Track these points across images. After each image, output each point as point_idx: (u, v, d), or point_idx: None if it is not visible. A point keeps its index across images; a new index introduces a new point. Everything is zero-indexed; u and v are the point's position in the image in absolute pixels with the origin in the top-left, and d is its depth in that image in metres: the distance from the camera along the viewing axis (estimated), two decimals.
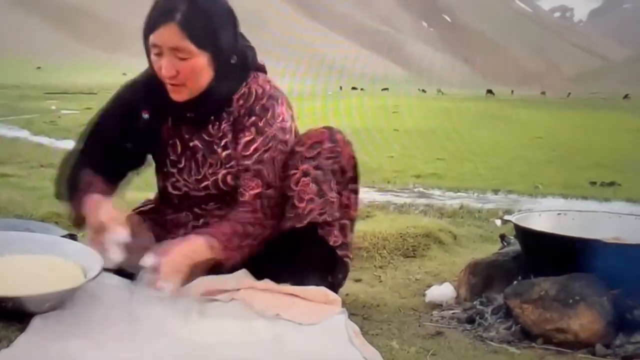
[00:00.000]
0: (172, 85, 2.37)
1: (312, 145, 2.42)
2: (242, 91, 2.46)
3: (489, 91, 65.91)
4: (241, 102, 2.46)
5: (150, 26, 2.32)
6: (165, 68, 2.31)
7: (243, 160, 2.41)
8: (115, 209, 2.31)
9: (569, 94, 78.84)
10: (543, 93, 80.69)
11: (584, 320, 2.28)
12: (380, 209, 5.28)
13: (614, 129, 19.45)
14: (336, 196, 2.44)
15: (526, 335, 2.37)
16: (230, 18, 2.41)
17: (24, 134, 13.85)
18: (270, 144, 2.40)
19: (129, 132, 2.50)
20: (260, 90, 2.46)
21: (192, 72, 2.33)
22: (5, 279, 2.17)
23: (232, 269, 2.40)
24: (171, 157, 2.55)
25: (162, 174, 2.61)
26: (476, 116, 24.03)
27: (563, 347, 2.29)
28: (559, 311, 2.31)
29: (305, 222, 2.38)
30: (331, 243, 2.44)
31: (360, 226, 3.82)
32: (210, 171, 2.49)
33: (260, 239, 2.38)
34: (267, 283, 2.39)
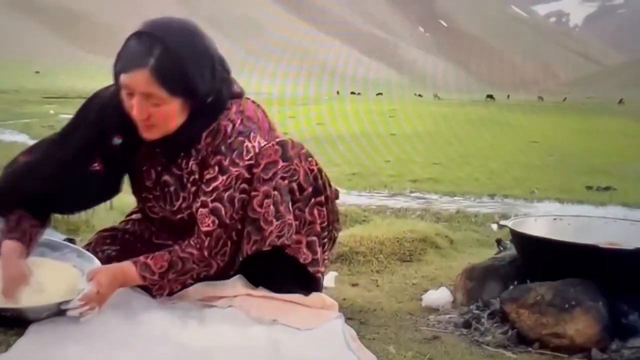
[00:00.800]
0: (144, 125, 2.29)
1: (266, 165, 2.33)
2: (212, 128, 2.37)
3: (489, 96, 65.56)
4: (209, 139, 2.37)
5: (122, 67, 2.23)
6: (137, 111, 2.23)
7: (203, 196, 2.33)
8: (19, 269, 2.23)
9: (565, 98, 78.77)
10: (540, 98, 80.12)
11: (580, 325, 2.29)
12: (377, 213, 5.30)
13: (610, 134, 19.48)
14: (299, 214, 2.40)
15: (522, 339, 2.37)
16: (207, 60, 2.30)
17: (22, 138, 13.86)
18: (231, 184, 2.31)
19: (99, 155, 2.40)
20: (229, 127, 2.36)
21: (164, 117, 2.27)
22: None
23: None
24: (146, 184, 2.50)
25: (139, 196, 2.57)
26: (472, 121, 24.05)
27: (559, 352, 2.30)
28: (555, 316, 2.31)
29: (266, 244, 2.33)
30: (301, 261, 2.41)
31: (357, 231, 3.83)
32: (184, 205, 2.44)
33: (202, 275, 2.35)
34: (263, 290, 2.39)
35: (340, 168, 9.45)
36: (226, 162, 2.33)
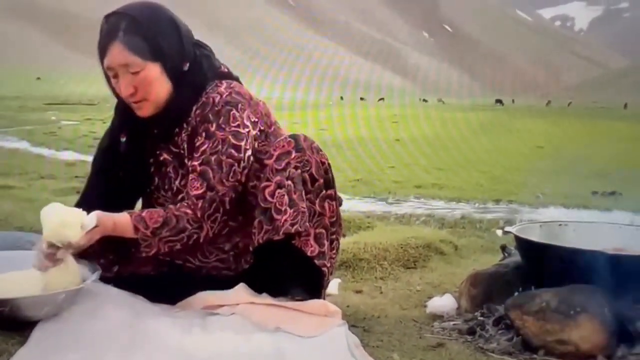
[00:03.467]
0: (135, 103, 2.41)
1: (279, 156, 2.40)
2: (201, 101, 2.47)
3: (498, 101, 65.29)
4: (198, 111, 2.46)
5: (101, 52, 2.39)
6: (123, 87, 2.37)
7: (192, 162, 2.42)
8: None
9: (570, 103, 78.61)
10: (549, 102, 79.38)
11: (585, 332, 2.28)
12: (381, 219, 5.28)
13: (616, 138, 19.43)
14: (309, 205, 2.43)
15: (527, 346, 2.36)
16: (173, 27, 2.44)
17: (24, 145, 13.87)
18: (218, 147, 2.39)
19: (118, 161, 2.54)
20: (217, 98, 2.45)
21: (148, 84, 2.38)
22: (5, 287, 2.17)
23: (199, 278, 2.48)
24: (149, 177, 2.58)
25: (144, 193, 2.63)
26: (477, 126, 24.03)
27: (564, 359, 2.29)
28: (560, 322, 2.30)
29: (280, 233, 2.36)
30: (308, 254, 2.42)
31: (360, 237, 3.83)
32: (182, 183, 2.50)
33: (194, 238, 2.37)
34: (266, 297, 2.39)
35: (344, 174, 9.41)
36: (213, 128, 2.42)
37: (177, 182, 2.52)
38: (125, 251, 2.56)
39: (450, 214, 6.01)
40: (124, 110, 2.52)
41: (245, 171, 2.43)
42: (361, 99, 70.53)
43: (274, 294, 2.41)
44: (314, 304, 2.35)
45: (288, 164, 2.39)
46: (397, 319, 2.74)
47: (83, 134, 16.99)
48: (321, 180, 2.47)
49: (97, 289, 2.32)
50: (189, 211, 2.35)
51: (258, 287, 2.45)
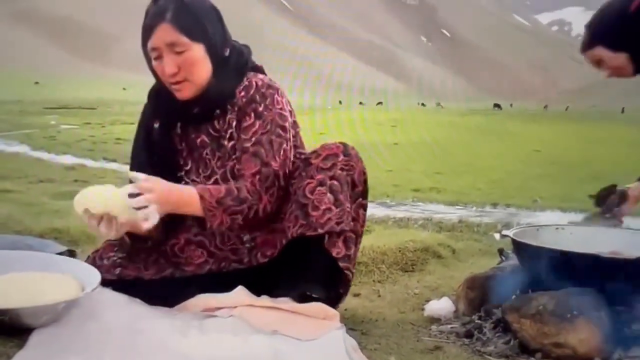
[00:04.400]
0: (176, 83, 2.47)
1: (327, 157, 2.48)
2: (244, 84, 2.56)
3: (497, 105, 65.11)
4: (243, 93, 2.55)
5: (147, 33, 2.46)
6: (167, 65, 2.43)
7: (243, 144, 2.49)
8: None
9: (567, 107, 78.67)
10: (546, 107, 79.47)
11: (582, 335, 2.28)
12: (379, 223, 5.29)
13: (613, 142, 19.45)
14: (350, 207, 2.48)
15: (524, 349, 2.36)
16: (216, 15, 2.54)
17: (23, 149, 13.87)
18: (268, 128, 2.48)
19: (153, 150, 2.60)
20: (260, 82, 2.56)
21: (191, 64, 2.45)
22: (5, 295, 2.17)
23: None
24: (179, 162, 2.62)
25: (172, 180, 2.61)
26: (475, 130, 24.05)
27: None
28: (557, 325, 2.30)
29: (323, 230, 2.39)
30: (334, 254, 2.43)
31: None
32: (218, 164, 2.56)
33: (254, 211, 2.41)
34: (265, 300, 2.39)
35: None
36: (261, 108, 2.51)
37: (213, 163, 2.58)
38: (128, 252, 2.57)
39: (448, 218, 6.02)
40: (157, 94, 2.60)
41: (292, 151, 2.52)
42: (360, 103, 70.57)
43: (289, 289, 2.41)
44: (312, 307, 2.35)
45: (334, 165, 2.47)
46: (395, 322, 2.75)
47: (82, 138, 17.02)
48: (360, 188, 2.56)
49: (95, 292, 2.32)
50: (247, 183, 2.42)
51: (271, 282, 2.47)
